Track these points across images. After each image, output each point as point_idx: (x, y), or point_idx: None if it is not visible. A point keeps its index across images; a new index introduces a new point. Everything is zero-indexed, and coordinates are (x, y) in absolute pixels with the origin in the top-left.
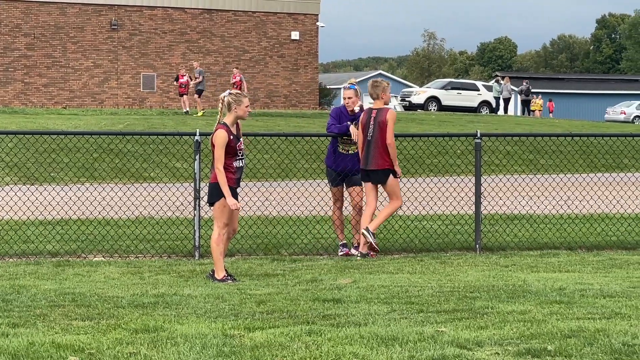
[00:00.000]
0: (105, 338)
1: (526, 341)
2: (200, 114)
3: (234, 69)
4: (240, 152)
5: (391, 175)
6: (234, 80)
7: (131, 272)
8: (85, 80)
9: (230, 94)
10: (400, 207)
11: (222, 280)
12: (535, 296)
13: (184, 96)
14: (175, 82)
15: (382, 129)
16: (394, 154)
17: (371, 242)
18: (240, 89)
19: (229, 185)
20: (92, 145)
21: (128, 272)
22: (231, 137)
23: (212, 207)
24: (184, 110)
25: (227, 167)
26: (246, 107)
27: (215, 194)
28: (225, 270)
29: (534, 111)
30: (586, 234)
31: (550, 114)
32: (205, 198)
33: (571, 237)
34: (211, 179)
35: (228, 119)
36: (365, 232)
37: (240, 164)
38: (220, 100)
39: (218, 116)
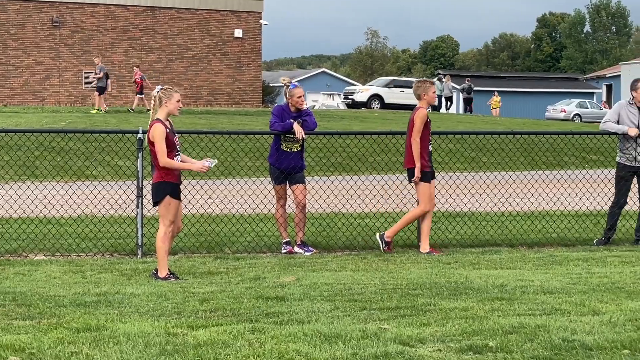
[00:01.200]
0: (46, 337)
1: (468, 338)
2: (94, 111)
3: (135, 67)
4: (177, 147)
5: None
6: (135, 78)
7: (73, 270)
8: (26, 78)
9: (161, 89)
10: (426, 212)
11: (165, 279)
12: (477, 293)
13: (138, 95)
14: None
15: (410, 128)
16: (414, 153)
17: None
18: (140, 87)
19: (171, 182)
20: (34, 143)
21: (70, 271)
22: (167, 130)
23: (156, 207)
24: (132, 108)
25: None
26: (177, 102)
27: (159, 193)
28: (168, 269)
29: (494, 109)
30: (527, 231)
31: (494, 111)
32: (149, 196)
33: (512, 234)
34: (154, 178)
35: (161, 114)
36: (378, 239)
37: (179, 159)
38: (152, 97)
39: (151, 112)
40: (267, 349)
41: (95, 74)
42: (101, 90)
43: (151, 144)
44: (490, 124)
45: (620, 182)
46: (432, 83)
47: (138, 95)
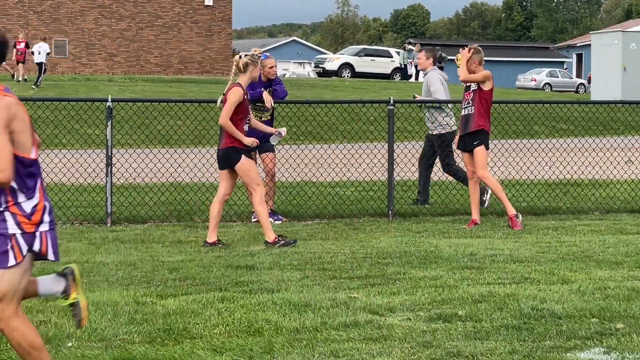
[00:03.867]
0: None
1: (437, 306)
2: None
3: (20, 34)
4: (248, 117)
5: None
6: (19, 47)
7: None
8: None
9: (246, 54)
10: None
11: (274, 243)
12: (446, 262)
13: (20, 64)
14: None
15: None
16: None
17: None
18: (24, 56)
19: (238, 147)
20: None
21: None
22: (245, 97)
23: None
24: (19, 79)
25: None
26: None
27: (232, 157)
28: (279, 234)
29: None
30: (497, 200)
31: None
32: (118, 165)
33: None
34: (222, 144)
35: (242, 80)
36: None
37: (247, 129)
38: (235, 61)
39: (232, 76)
40: (236, 318)
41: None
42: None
43: (225, 102)
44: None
45: None
46: (479, 50)
47: (22, 64)
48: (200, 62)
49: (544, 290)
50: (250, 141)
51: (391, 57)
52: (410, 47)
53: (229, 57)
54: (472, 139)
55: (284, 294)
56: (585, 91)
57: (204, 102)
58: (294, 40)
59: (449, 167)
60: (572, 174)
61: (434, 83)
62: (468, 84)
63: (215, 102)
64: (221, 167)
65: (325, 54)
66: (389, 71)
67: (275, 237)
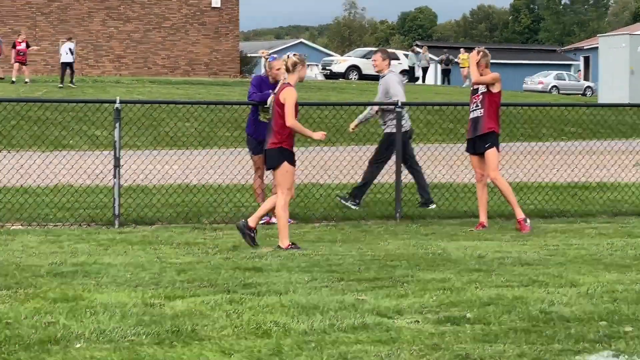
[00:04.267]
0: (23, 307)
1: (446, 309)
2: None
3: (20, 34)
4: (298, 115)
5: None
6: (19, 47)
7: (50, 240)
8: (2, 47)
9: (294, 54)
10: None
11: (287, 249)
12: (454, 264)
13: (22, 65)
14: (12, 49)
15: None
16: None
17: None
18: (26, 57)
19: (288, 149)
20: (10, 112)
21: (47, 241)
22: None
23: (273, 172)
24: (13, 79)
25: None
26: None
27: (277, 159)
28: (292, 242)
29: (464, 68)
30: (505, 202)
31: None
32: (126, 167)
33: (490, 205)
34: (270, 144)
35: (292, 79)
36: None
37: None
38: (284, 61)
39: (281, 77)
40: (244, 320)
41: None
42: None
43: (280, 106)
44: (468, 95)
45: None
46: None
47: (24, 66)
48: (207, 64)
49: (552, 293)
50: (319, 135)
51: (398, 59)
52: (418, 49)
53: (236, 59)
54: (483, 141)
55: (292, 296)
56: (592, 94)
57: (211, 104)
58: (301, 42)
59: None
60: (580, 177)
61: (393, 85)
62: (475, 87)
63: (223, 103)
64: (269, 167)
65: (332, 56)
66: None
67: (289, 245)
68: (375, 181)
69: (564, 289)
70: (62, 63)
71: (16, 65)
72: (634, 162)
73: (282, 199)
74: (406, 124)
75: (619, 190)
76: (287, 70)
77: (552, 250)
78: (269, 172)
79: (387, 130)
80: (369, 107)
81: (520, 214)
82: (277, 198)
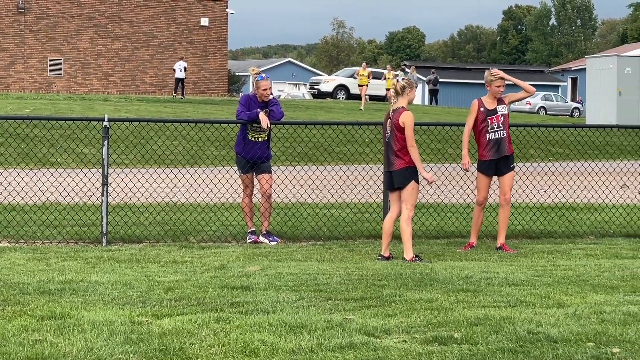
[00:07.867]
0: (10, 325)
1: (433, 329)
2: None
3: None
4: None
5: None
6: None
7: (37, 258)
8: None
9: (403, 79)
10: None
11: (411, 261)
12: (442, 284)
13: None
14: None
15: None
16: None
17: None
18: None
19: (414, 167)
20: None
21: (34, 258)
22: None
23: (402, 190)
24: None
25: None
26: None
27: (406, 178)
28: (417, 254)
29: (362, 86)
30: (492, 222)
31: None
32: (114, 184)
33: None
34: (398, 165)
35: (403, 102)
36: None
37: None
38: (393, 85)
39: (392, 101)
40: (232, 339)
41: None
42: None
43: (399, 130)
44: (455, 115)
45: None
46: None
47: None
48: (195, 82)
49: (540, 313)
50: (428, 176)
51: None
52: (406, 69)
53: (224, 77)
54: (508, 162)
55: (279, 315)
56: (580, 115)
57: (199, 122)
58: (289, 61)
59: None
60: (568, 198)
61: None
62: (493, 108)
63: (211, 122)
64: (391, 187)
65: (320, 75)
66: (383, 93)
67: (413, 257)
68: (363, 200)
69: (552, 310)
70: (176, 78)
71: None
72: (621, 184)
73: (407, 214)
74: None
75: (606, 211)
76: (397, 93)
77: (540, 271)
78: (260, 190)
79: None
80: None
81: (502, 240)
82: (401, 214)
